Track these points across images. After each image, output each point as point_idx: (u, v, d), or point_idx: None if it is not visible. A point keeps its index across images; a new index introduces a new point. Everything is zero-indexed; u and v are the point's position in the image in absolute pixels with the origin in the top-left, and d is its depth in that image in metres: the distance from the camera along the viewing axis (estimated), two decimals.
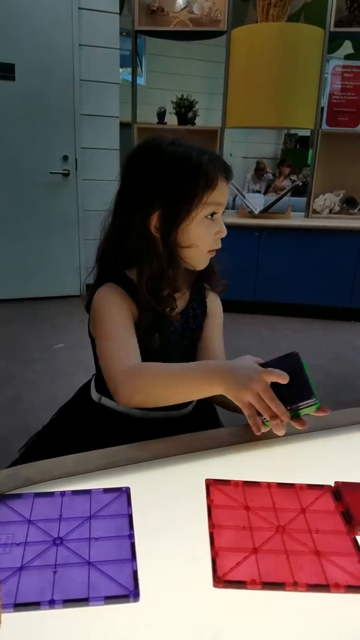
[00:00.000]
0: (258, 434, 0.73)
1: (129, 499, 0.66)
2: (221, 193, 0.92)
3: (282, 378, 0.71)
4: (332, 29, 3.55)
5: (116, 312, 0.92)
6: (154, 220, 0.91)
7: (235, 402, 0.73)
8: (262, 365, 0.78)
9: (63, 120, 3.79)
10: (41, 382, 2.67)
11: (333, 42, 4.31)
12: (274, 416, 0.71)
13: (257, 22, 3.72)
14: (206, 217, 0.92)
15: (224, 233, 0.96)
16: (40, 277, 4.02)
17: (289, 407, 0.72)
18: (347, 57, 5.58)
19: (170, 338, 1.00)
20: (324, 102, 3.82)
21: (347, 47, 5.30)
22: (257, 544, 0.60)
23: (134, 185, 0.93)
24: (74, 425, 1.07)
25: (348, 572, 0.57)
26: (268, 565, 0.58)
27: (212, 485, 0.70)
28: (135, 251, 0.93)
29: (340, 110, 3.84)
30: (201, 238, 0.93)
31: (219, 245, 0.98)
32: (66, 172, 3.88)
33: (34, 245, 3.95)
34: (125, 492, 0.67)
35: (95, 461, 0.73)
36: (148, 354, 0.92)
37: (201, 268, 1.00)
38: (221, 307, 1.13)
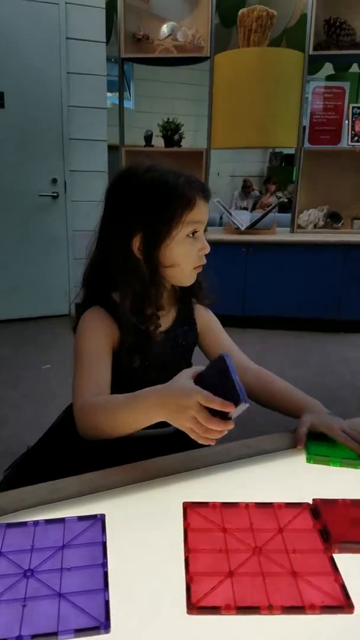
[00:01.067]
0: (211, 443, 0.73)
1: (104, 526, 0.66)
2: (200, 211, 0.96)
3: (215, 404, 0.68)
4: (311, 52, 3.63)
5: (92, 341, 0.95)
6: (137, 242, 0.94)
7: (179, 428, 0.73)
8: (197, 375, 0.75)
9: (52, 144, 3.85)
10: (27, 405, 2.65)
11: (314, 64, 4.42)
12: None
13: (239, 47, 3.80)
14: (187, 235, 0.95)
15: (207, 249, 0.99)
16: (28, 297, 4.03)
17: (228, 417, 0.69)
18: (328, 77, 5.71)
19: (157, 358, 1.01)
20: (306, 122, 3.89)
21: (329, 68, 5.43)
22: (232, 567, 0.60)
23: (115, 213, 0.97)
24: (61, 447, 1.07)
25: (324, 592, 0.57)
26: (243, 588, 0.57)
27: (189, 508, 0.69)
28: (118, 274, 0.96)
29: (321, 129, 3.91)
30: (184, 256, 0.97)
31: (203, 261, 1.00)
32: (55, 194, 3.92)
33: (24, 266, 3.97)
34: (100, 520, 0.67)
35: (70, 488, 0.73)
36: (133, 375, 0.96)
37: (188, 284, 1.03)
38: (213, 314, 1.16)
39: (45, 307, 4.06)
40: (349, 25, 3.69)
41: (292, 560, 0.61)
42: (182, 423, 0.71)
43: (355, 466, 0.82)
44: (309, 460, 0.84)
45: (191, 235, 0.96)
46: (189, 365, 1.11)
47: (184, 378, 0.74)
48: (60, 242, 4.02)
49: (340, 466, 0.82)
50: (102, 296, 0.99)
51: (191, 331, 1.10)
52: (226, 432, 0.70)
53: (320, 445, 0.87)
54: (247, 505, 0.71)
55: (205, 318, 1.14)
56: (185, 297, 1.10)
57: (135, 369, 0.97)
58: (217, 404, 0.68)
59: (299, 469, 0.82)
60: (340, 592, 0.57)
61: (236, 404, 0.67)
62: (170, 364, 1.04)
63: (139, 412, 0.77)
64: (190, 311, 1.11)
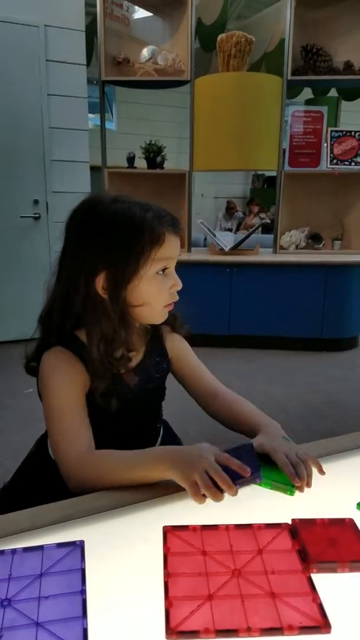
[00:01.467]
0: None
1: (83, 552, 0.65)
2: (170, 247, 0.90)
3: (232, 463, 0.74)
4: (289, 77, 3.73)
5: (64, 388, 0.88)
6: (100, 281, 0.87)
7: (181, 484, 0.74)
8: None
9: (33, 166, 3.86)
10: (10, 430, 2.61)
11: (293, 88, 4.53)
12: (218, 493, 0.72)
13: (219, 71, 3.89)
14: (157, 273, 0.90)
15: (179, 286, 0.94)
16: (10, 319, 3.99)
17: (236, 483, 0.73)
18: (308, 101, 5.84)
19: (130, 397, 0.96)
20: (286, 145, 3.97)
21: (308, 92, 5.57)
22: (212, 590, 0.60)
23: (77, 245, 0.89)
24: (35, 482, 1.04)
25: (302, 613, 0.57)
26: (223, 611, 0.57)
27: (169, 532, 0.69)
28: (83, 314, 0.90)
29: (301, 152, 3.99)
30: (154, 295, 0.91)
31: (175, 298, 0.95)
32: (37, 215, 3.92)
33: (5, 288, 3.95)
34: (79, 546, 0.66)
35: (49, 515, 0.72)
36: (107, 417, 0.91)
37: (159, 322, 0.98)
38: (183, 339, 1.11)
39: (27, 330, 3.99)
40: (326, 52, 3.81)
41: (270, 581, 0.61)
42: (190, 474, 0.72)
43: (285, 491, 0.80)
44: None
45: (161, 272, 0.90)
46: (163, 392, 1.09)
47: (204, 445, 0.77)
48: (42, 263, 4.01)
49: (271, 489, 0.81)
50: (65, 335, 0.92)
51: (163, 361, 1.05)
52: (221, 500, 0.72)
53: (262, 467, 0.85)
54: (227, 527, 0.70)
55: (176, 344, 1.09)
56: (156, 329, 1.04)
57: (112, 412, 0.92)
58: (235, 464, 0.74)
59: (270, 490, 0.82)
60: (318, 612, 0.57)
61: (252, 474, 0.74)
62: (146, 397, 1.02)
63: (145, 469, 0.78)
64: (161, 340, 1.06)
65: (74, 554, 0.64)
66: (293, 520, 0.72)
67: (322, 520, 0.72)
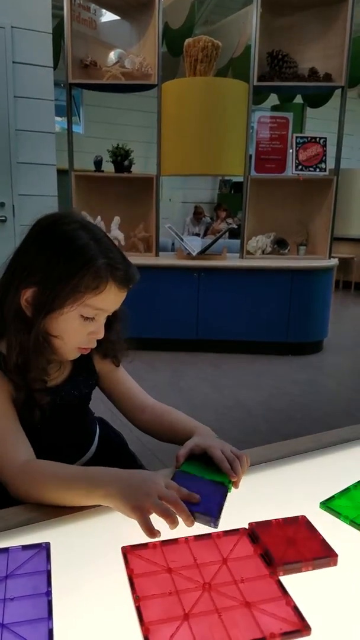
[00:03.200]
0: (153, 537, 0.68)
1: (49, 554, 0.65)
2: (106, 301, 0.86)
3: (181, 492, 0.73)
4: (255, 83, 3.79)
5: None
6: (26, 294, 0.84)
7: (128, 513, 0.69)
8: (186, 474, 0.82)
9: None
10: None
11: (260, 94, 4.61)
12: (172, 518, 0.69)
13: (186, 76, 3.92)
14: (81, 316, 0.86)
15: (100, 335, 0.90)
16: None
17: (194, 514, 0.72)
18: (274, 107, 5.95)
19: (57, 410, 0.94)
20: (252, 150, 4.03)
21: (274, 99, 5.67)
22: (187, 609, 0.58)
23: (26, 252, 0.87)
24: None
25: (280, 618, 0.57)
26: (202, 629, 0.56)
27: (129, 552, 0.66)
28: (7, 322, 0.86)
29: (267, 157, 4.06)
30: (69, 334, 0.87)
31: (91, 345, 0.91)
32: (3, 218, 3.87)
33: None
34: (45, 548, 0.66)
35: (14, 517, 0.72)
36: (32, 429, 0.88)
37: (67, 359, 0.94)
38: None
39: None
40: (291, 58, 3.89)
41: (242, 590, 0.61)
42: (142, 502, 0.68)
43: (207, 523, 0.76)
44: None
45: (86, 318, 0.86)
46: (88, 399, 1.06)
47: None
48: None
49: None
50: (11, 362, 0.87)
51: (90, 377, 1.03)
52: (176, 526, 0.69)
53: (194, 464, 0.85)
54: (187, 539, 0.69)
55: (105, 367, 1.06)
56: None
57: (36, 422, 0.89)
58: (184, 493, 0.73)
59: (233, 492, 0.82)
60: (294, 616, 0.57)
61: (210, 515, 0.73)
62: (73, 410, 1.01)
63: (82, 495, 0.74)
64: (89, 357, 1.02)
65: (40, 556, 0.64)
66: (250, 524, 0.72)
67: (277, 520, 0.73)
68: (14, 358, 0.85)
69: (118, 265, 0.85)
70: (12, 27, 3.64)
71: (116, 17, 4.03)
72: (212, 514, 0.73)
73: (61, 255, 0.83)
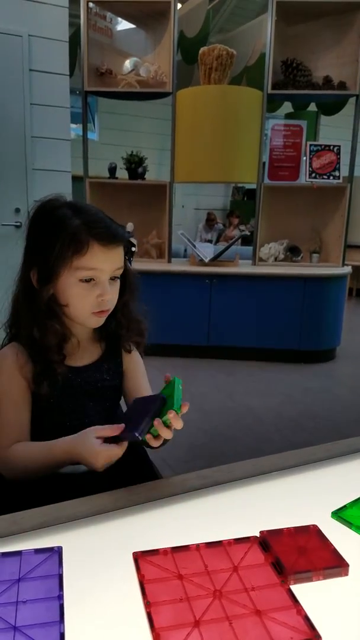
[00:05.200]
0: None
1: (61, 558, 0.65)
2: (94, 259, 0.91)
3: (108, 431, 0.83)
4: (269, 91, 3.80)
5: (7, 384, 0.96)
6: (34, 275, 0.94)
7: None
8: (134, 401, 0.92)
9: (15, 174, 3.85)
10: None
11: (274, 102, 4.62)
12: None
13: (201, 84, 3.95)
14: (80, 280, 0.92)
15: (107, 296, 0.94)
16: None
17: (123, 434, 0.82)
18: (288, 115, 5.96)
19: (75, 391, 1.01)
20: (266, 158, 4.04)
21: (288, 106, 5.67)
22: (197, 616, 0.58)
23: (26, 240, 0.97)
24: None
25: (291, 627, 0.57)
26: (212, 636, 0.56)
27: (140, 558, 0.67)
28: (21, 303, 0.97)
29: (280, 165, 4.07)
30: (76, 299, 0.94)
31: (103, 307, 0.96)
32: (18, 224, 3.91)
33: None
34: (57, 552, 0.66)
35: (28, 521, 0.73)
36: (57, 404, 0.98)
37: (92, 327, 1.00)
38: (139, 358, 1.13)
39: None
40: (305, 67, 3.89)
41: (253, 598, 0.61)
42: (93, 464, 0.82)
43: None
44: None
45: (85, 280, 0.92)
46: (114, 401, 1.11)
47: (89, 433, 0.84)
48: None
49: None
50: (22, 332, 0.98)
51: (115, 366, 1.08)
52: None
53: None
54: (197, 546, 0.69)
55: (131, 360, 1.11)
56: (110, 336, 1.07)
57: (55, 402, 0.98)
58: (107, 429, 0.83)
59: (244, 500, 0.82)
60: (305, 625, 0.57)
61: (130, 430, 0.80)
62: (97, 394, 1.05)
63: (59, 463, 0.89)
64: (118, 350, 1.08)
65: (52, 560, 0.65)
66: (261, 532, 0.72)
67: (289, 529, 0.73)
68: (26, 332, 0.95)
69: (96, 224, 0.91)
70: (29, 35, 3.69)
71: (132, 26, 4.07)
72: (134, 430, 0.80)
73: (43, 230, 0.93)
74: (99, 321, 0.98)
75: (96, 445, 0.82)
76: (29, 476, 0.90)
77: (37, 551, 0.67)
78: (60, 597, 0.59)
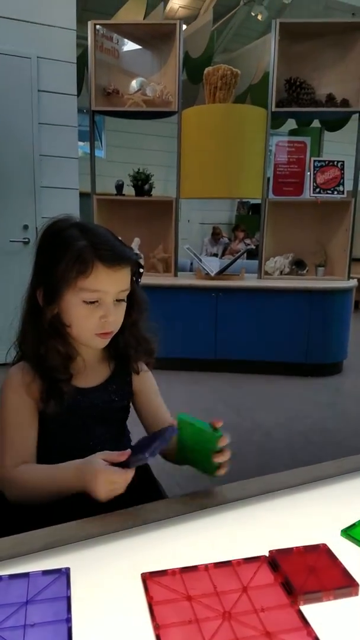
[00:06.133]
0: None
1: (69, 580, 0.65)
2: (98, 281, 0.90)
3: (115, 456, 0.80)
4: (273, 109, 3.84)
5: (12, 405, 0.95)
6: (40, 294, 0.94)
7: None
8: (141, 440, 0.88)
9: (23, 192, 3.91)
10: None
11: (278, 119, 4.66)
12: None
13: (206, 103, 4.00)
14: (84, 301, 0.91)
15: (110, 318, 0.93)
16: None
17: (131, 458, 0.80)
18: (292, 132, 6.00)
19: (90, 408, 1.00)
20: (270, 174, 4.07)
21: (292, 123, 5.72)
22: (207, 638, 0.57)
23: (34, 260, 0.97)
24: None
25: None
26: None
27: (148, 579, 0.66)
28: (26, 321, 0.97)
29: (285, 181, 4.09)
30: (79, 320, 0.93)
31: (106, 329, 0.95)
32: (26, 240, 3.95)
33: None
34: (64, 573, 0.66)
35: (35, 541, 0.72)
36: (63, 425, 0.97)
37: (96, 348, 0.99)
38: (150, 375, 1.12)
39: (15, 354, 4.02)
40: (309, 85, 3.93)
41: (262, 620, 0.60)
42: (98, 493, 0.78)
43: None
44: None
45: (89, 302, 0.91)
46: (122, 422, 1.11)
47: (96, 457, 0.82)
48: None
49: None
50: (28, 350, 0.97)
51: (123, 387, 1.07)
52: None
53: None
54: (206, 566, 0.69)
55: (142, 380, 1.10)
56: (119, 355, 1.06)
57: (62, 422, 0.97)
58: (114, 456, 0.80)
59: (249, 518, 0.81)
60: None
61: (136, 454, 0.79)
62: (103, 416, 1.04)
63: (67, 489, 0.84)
64: (128, 370, 1.07)
65: (60, 582, 0.65)
66: (270, 551, 0.71)
67: (298, 548, 0.72)
68: (31, 351, 0.95)
69: (101, 246, 0.90)
70: (37, 57, 3.76)
71: (138, 47, 4.14)
72: (145, 451, 0.79)
73: (49, 248, 0.93)
74: (103, 342, 0.97)
75: (101, 466, 0.80)
76: (33, 500, 0.88)
77: (45, 573, 0.66)
78: (69, 620, 0.59)
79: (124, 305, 0.97)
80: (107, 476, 0.78)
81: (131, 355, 1.06)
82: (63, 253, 0.89)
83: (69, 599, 0.62)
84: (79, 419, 1.00)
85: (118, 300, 0.95)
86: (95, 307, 0.92)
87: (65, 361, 0.97)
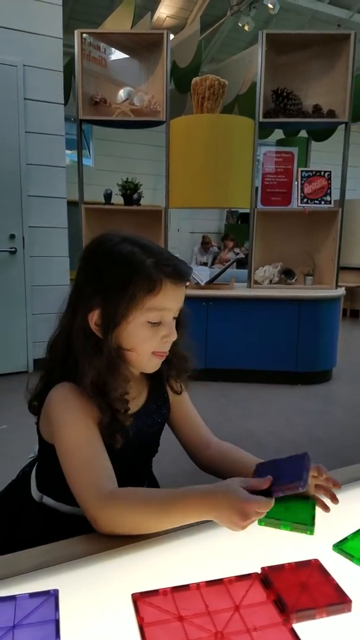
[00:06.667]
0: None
1: (57, 602, 0.63)
2: (166, 298, 0.86)
3: (265, 506, 0.72)
4: (261, 119, 3.88)
5: (79, 423, 0.85)
6: (94, 317, 0.86)
7: (229, 528, 0.73)
8: (269, 462, 0.87)
9: (10, 201, 3.88)
10: None
11: (266, 129, 4.70)
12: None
13: (194, 112, 4.01)
14: (148, 322, 0.86)
15: (173, 337, 0.90)
16: None
17: (274, 487, 0.76)
18: (279, 142, 6.05)
19: (134, 437, 0.93)
20: (258, 184, 4.09)
21: (279, 133, 5.77)
22: None
23: (82, 278, 0.90)
24: (8, 527, 1.00)
25: None
26: None
27: (139, 599, 0.64)
28: (77, 348, 0.87)
29: (273, 191, 4.12)
30: (142, 343, 0.88)
31: (165, 348, 0.91)
32: (13, 249, 3.92)
33: None
34: (53, 595, 0.64)
35: (22, 563, 0.70)
36: (110, 454, 0.86)
37: (150, 371, 0.94)
38: (185, 393, 1.09)
39: (3, 364, 3.98)
40: (296, 95, 3.97)
41: (255, 639, 0.60)
42: (239, 523, 0.71)
43: (304, 531, 0.80)
44: (260, 523, 0.82)
45: (153, 322, 0.87)
46: (157, 444, 1.07)
47: (235, 485, 0.74)
48: (19, 297, 3.99)
49: (290, 530, 0.80)
50: (68, 370, 0.88)
51: (164, 406, 1.03)
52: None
53: (278, 508, 0.83)
54: (198, 585, 0.68)
55: (180, 396, 1.07)
56: (160, 372, 0.99)
57: (118, 449, 0.88)
58: (258, 482, 0.75)
59: (241, 534, 0.78)
60: None
61: (293, 482, 0.76)
62: (147, 442, 1.01)
63: (185, 515, 0.75)
64: (163, 384, 1.03)
65: (48, 604, 0.63)
66: (262, 568, 0.70)
67: (290, 564, 0.71)
68: (88, 383, 0.85)
69: (167, 262, 0.86)
70: (24, 65, 3.76)
71: (125, 56, 4.15)
72: (297, 479, 0.76)
73: (111, 269, 0.86)
74: (158, 364, 0.93)
75: (245, 494, 0.72)
76: (139, 529, 0.77)
77: (32, 595, 0.64)
78: None
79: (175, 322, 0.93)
80: (253, 507, 0.71)
81: (171, 375, 1.02)
82: (130, 273, 0.84)
83: (57, 622, 0.60)
84: (130, 448, 0.92)
85: (174, 318, 0.92)
86: (158, 327, 0.88)
87: (125, 389, 0.90)
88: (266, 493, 0.75)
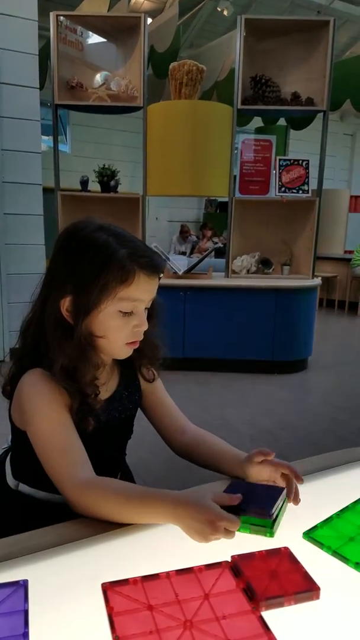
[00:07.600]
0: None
1: (26, 593, 0.63)
2: (139, 289, 0.87)
3: (226, 499, 0.76)
4: (239, 106, 3.85)
5: (50, 408, 0.86)
6: (65, 303, 0.87)
7: (193, 538, 0.74)
8: (247, 483, 0.89)
9: None
10: None
11: (244, 117, 4.69)
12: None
13: (172, 98, 3.97)
14: (120, 311, 0.88)
15: (144, 326, 0.91)
16: None
17: (243, 506, 0.77)
18: (258, 129, 6.05)
19: (105, 422, 0.95)
20: (237, 172, 4.08)
21: (258, 120, 5.76)
22: None
23: (55, 265, 0.91)
24: None
25: None
26: None
27: (109, 589, 0.64)
28: (47, 333, 0.88)
29: (251, 179, 4.11)
30: (113, 331, 0.89)
31: (137, 338, 0.93)
32: None
33: None
34: (22, 586, 0.64)
35: None
36: (83, 439, 0.87)
37: (121, 358, 0.96)
38: (158, 379, 1.11)
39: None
40: (274, 82, 3.96)
41: (224, 627, 0.60)
42: (204, 536, 0.72)
43: (263, 534, 0.79)
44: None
45: (125, 312, 0.88)
46: (131, 429, 1.08)
47: (206, 494, 0.76)
48: None
49: (249, 533, 0.79)
50: (39, 356, 0.89)
51: (136, 392, 1.05)
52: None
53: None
54: (168, 574, 0.68)
55: (153, 383, 1.09)
56: (131, 360, 1.01)
57: (89, 433, 0.89)
58: (229, 498, 0.77)
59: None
60: None
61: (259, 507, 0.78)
62: (119, 427, 1.02)
63: (155, 515, 0.77)
64: (135, 371, 1.05)
65: (17, 595, 0.63)
66: (232, 557, 0.71)
67: (260, 553, 0.72)
68: (59, 369, 0.86)
69: (141, 254, 0.87)
70: None
71: (102, 40, 4.08)
72: (268, 508, 0.77)
73: (85, 257, 0.86)
74: (129, 352, 0.94)
75: (218, 510, 0.73)
76: (108, 517, 0.79)
77: (1, 586, 0.64)
78: (26, 635, 0.57)
79: (146, 313, 0.94)
80: (223, 524, 0.71)
81: (143, 363, 1.03)
82: (104, 262, 0.84)
83: (26, 612, 0.60)
84: (103, 433, 0.94)
85: (146, 308, 0.93)
86: (130, 317, 0.89)
87: (95, 375, 0.92)
88: (233, 510, 0.76)
